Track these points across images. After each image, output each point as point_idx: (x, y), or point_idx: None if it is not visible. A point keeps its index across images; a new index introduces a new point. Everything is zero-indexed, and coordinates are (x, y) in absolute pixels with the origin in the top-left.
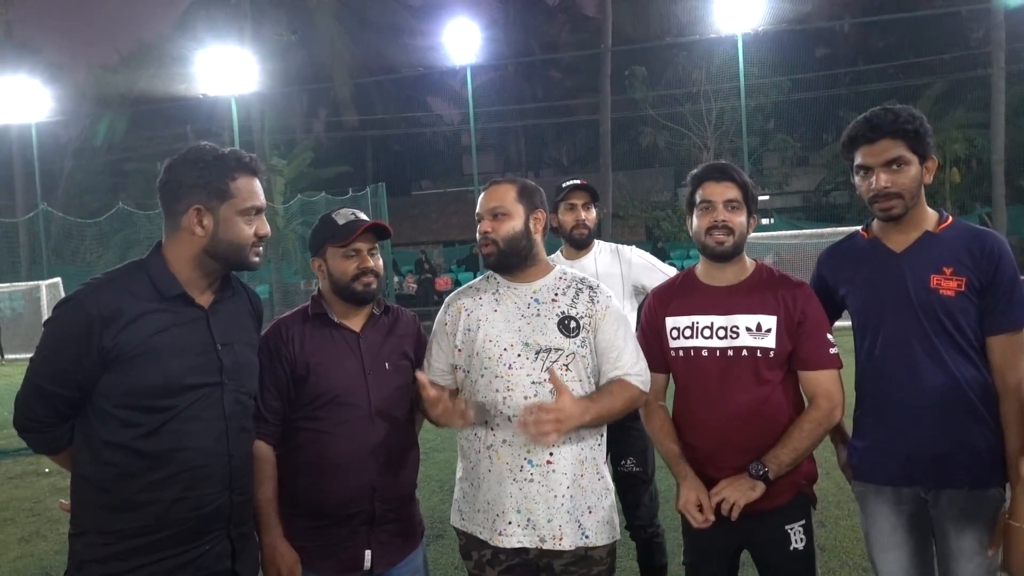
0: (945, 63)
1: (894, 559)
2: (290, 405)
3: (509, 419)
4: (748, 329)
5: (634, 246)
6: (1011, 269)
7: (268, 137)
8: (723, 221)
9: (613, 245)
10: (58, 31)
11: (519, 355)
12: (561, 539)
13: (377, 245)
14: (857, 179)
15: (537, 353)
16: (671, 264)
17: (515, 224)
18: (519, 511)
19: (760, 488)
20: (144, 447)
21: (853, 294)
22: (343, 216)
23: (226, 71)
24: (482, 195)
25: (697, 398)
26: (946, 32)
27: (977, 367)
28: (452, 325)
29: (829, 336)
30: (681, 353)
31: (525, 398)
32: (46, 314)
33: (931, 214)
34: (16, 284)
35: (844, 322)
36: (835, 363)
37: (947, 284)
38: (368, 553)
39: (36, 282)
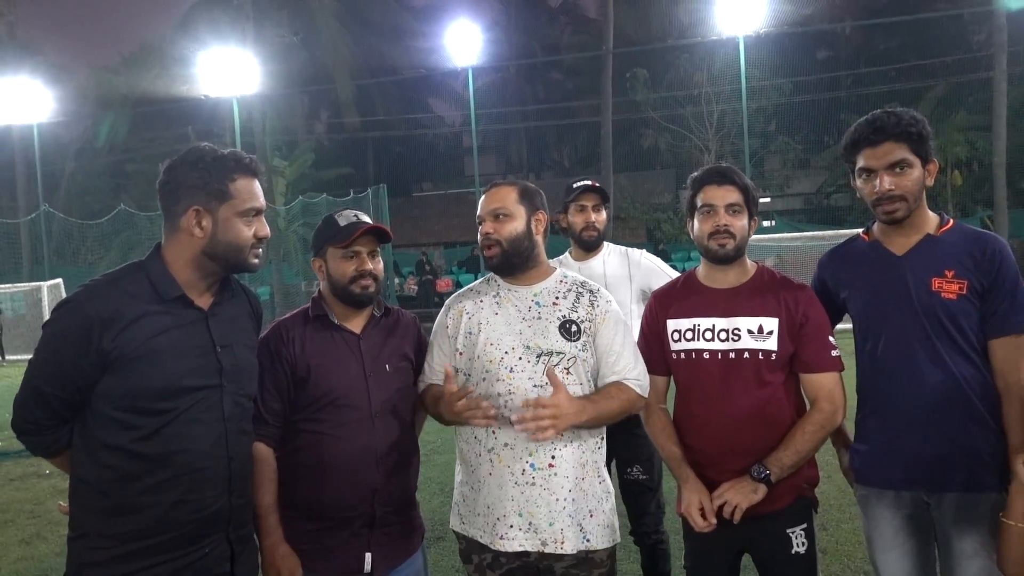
0: (947, 65)
1: (896, 562)
2: (290, 407)
3: (510, 422)
4: (749, 331)
5: (644, 250)
6: (1012, 272)
7: (269, 138)
8: (725, 225)
9: (622, 248)
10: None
11: (520, 358)
12: (563, 542)
13: (378, 248)
14: (859, 182)
15: (539, 356)
16: (673, 267)
17: (517, 225)
18: (520, 514)
19: (762, 491)
20: (143, 450)
21: (854, 297)
22: (345, 218)
23: (228, 72)
24: (483, 197)
25: (698, 400)
26: (948, 35)
27: (979, 370)
28: (453, 328)
29: (831, 339)
30: (682, 355)
31: (527, 399)
32: (47, 315)
33: (932, 217)
34: (17, 285)
35: (845, 325)
36: (837, 366)
37: (948, 287)
38: (368, 556)
39: (37, 283)
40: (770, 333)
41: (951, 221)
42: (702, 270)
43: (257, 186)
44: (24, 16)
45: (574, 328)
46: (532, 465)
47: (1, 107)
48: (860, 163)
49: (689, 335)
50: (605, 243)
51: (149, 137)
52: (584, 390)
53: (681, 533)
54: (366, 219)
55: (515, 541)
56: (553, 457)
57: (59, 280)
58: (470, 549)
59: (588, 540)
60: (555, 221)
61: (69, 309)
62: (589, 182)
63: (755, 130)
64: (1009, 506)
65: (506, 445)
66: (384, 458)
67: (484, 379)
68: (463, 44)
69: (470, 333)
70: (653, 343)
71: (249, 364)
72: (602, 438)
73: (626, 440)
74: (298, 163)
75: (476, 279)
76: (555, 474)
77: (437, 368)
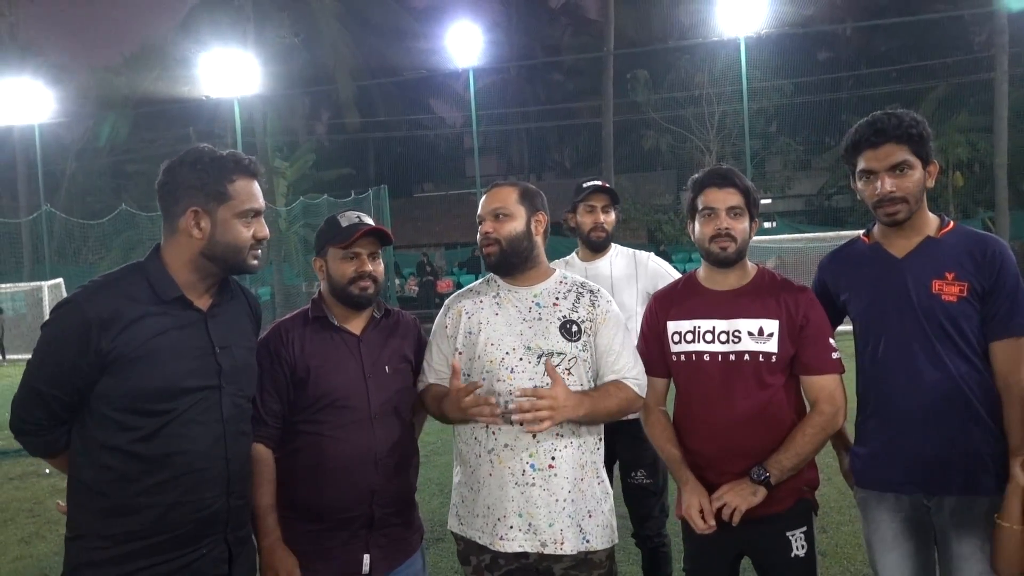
0: (948, 67)
1: (895, 565)
2: (290, 408)
3: (511, 423)
4: (750, 333)
5: (651, 252)
6: (1013, 274)
7: (270, 139)
8: (726, 229)
9: (630, 250)
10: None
11: (521, 359)
12: (562, 543)
13: (379, 251)
14: (860, 184)
15: (539, 357)
16: (675, 268)
17: (517, 225)
18: (520, 515)
19: (762, 493)
20: (141, 451)
21: (855, 300)
22: (347, 218)
23: (229, 73)
24: (484, 197)
25: (698, 403)
26: (949, 36)
27: (980, 372)
28: (452, 328)
29: (831, 341)
30: (683, 357)
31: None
32: (48, 315)
33: (932, 219)
34: (19, 284)
35: (846, 327)
36: (837, 368)
37: (949, 289)
38: (367, 557)
39: (38, 283)
40: (771, 335)
41: (951, 223)
42: (703, 272)
43: (256, 187)
44: (25, 17)
45: (575, 328)
46: (532, 466)
47: (2, 107)
48: (861, 165)
49: (689, 337)
50: (613, 245)
51: (150, 138)
52: (584, 390)
53: (680, 535)
54: (368, 221)
55: (515, 542)
56: (553, 458)
57: (60, 280)
58: (468, 550)
59: (588, 541)
60: (563, 220)
61: (68, 310)
62: (599, 182)
63: (756, 131)
64: (1004, 508)
65: (506, 446)
66: (383, 459)
67: (484, 379)
68: (464, 45)
69: (470, 333)
70: (653, 345)
71: (248, 365)
72: (600, 439)
73: (630, 444)
74: (299, 164)
75: (477, 280)
76: (555, 475)
77: (437, 368)
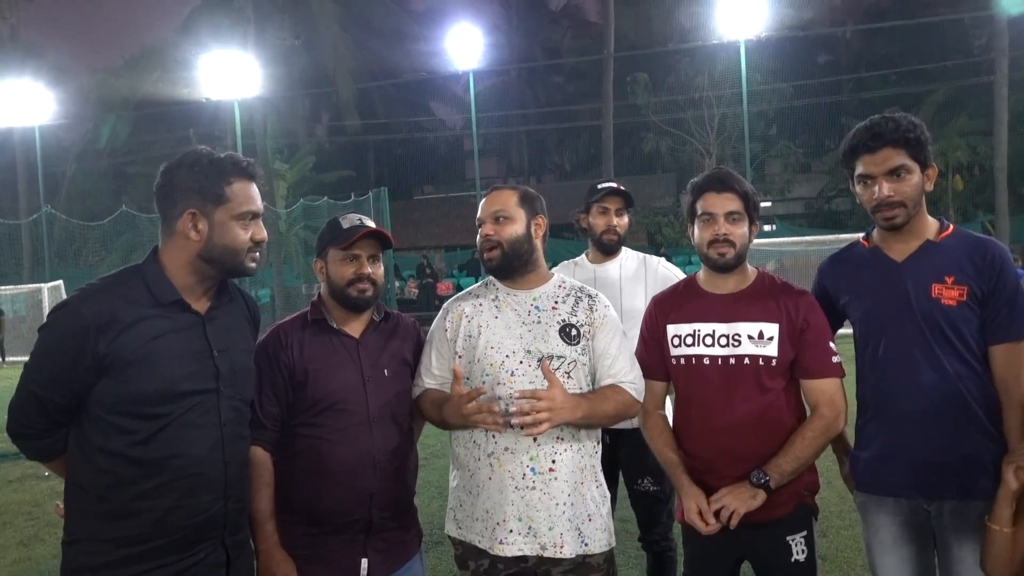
0: (948, 70)
1: (895, 569)
2: (288, 411)
3: (511, 424)
4: (750, 337)
5: (662, 258)
6: (1013, 278)
7: (270, 141)
8: (724, 234)
9: (641, 254)
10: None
11: (521, 362)
12: (562, 547)
13: (379, 254)
14: (858, 188)
15: (539, 360)
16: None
17: (517, 228)
18: (520, 519)
19: (761, 497)
20: (139, 454)
21: (855, 304)
22: (348, 220)
23: (229, 75)
24: (483, 200)
25: (698, 406)
26: (949, 39)
27: (979, 376)
28: (452, 331)
29: (832, 344)
30: (682, 361)
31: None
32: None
33: (932, 222)
34: (19, 286)
35: (846, 330)
36: (838, 372)
37: (948, 293)
38: (364, 561)
39: (38, 285)
40: (771, 339)
41: (951, 226)
42: (703, 275)
43: (254, 189)
44: (26, 18)
45: (574, 332)
46: (533, 469)
47: (3, 109)
48: (859, 169)
49: (689, 340)
50: (623, 248)
51: (150, 139)
52: (582, 393)
53: (680, 539)
54: (370, 223)
55: (514, 546)
56: (554, 462)
57: (59, 282)
58: (467, 555)
59: (586, 544)
60: (575, 221)
61: (65, 313)
62: (614, 184)
63: (756, 134)
64: (994, 511)
65: (507, 450)
66: (381, 463)
67: (484, 383)
68: (464, 47)
69: (470, 336)
70: (653, 348)
71: (246, 368)
72: (598, 442)
73: (634, 451)
74: (299, 166)
75: (477, 282)
76: (555, 478)
77: (435, 372)
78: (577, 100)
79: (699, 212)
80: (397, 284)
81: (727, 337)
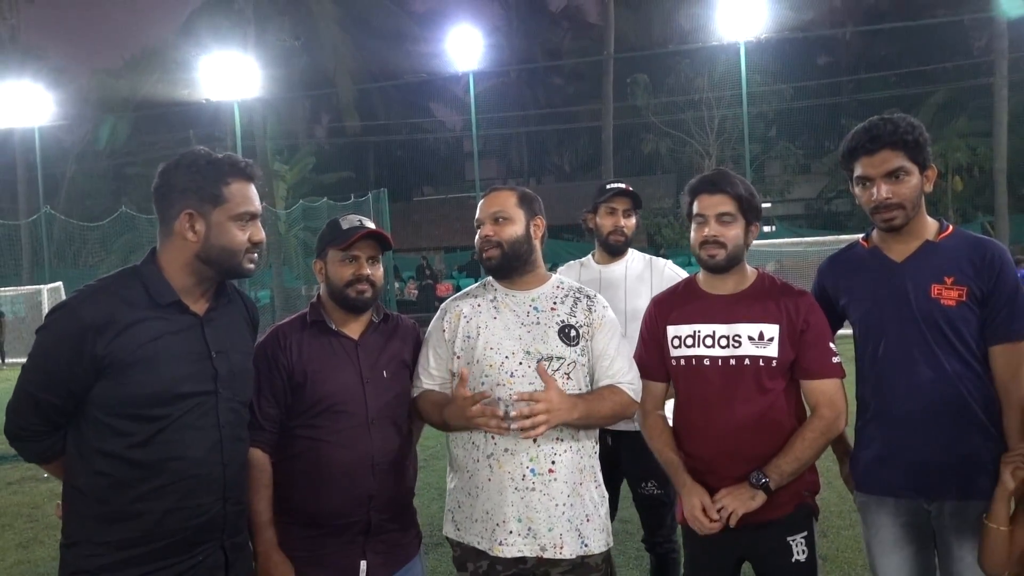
0: (947, 71)
1: (896, 570)
2: (287, 413)
3: (511, 428)
4: (750, 338)
5: (669, 260)
6: (1012, 278)
7: (270, 142)
8: (714, 236)
9: (648, 256)
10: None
11: (520, 363)
12: (562, 548)
13: (379, 255)
14: (857, 190)
15: (539, 361)
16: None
17: (517, 229)
18: (520, 520)
19: (760, 498)
20: (137, 456)
21: (854, 304)
22: (348, 221)
23: (229, 76)
24: (482, 201)
25: (698, 407)
26: (948, 41)
27: (979, 377)
28: (451, 332)
29: (832, 345)
30: (682, 362)
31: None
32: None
33: (931, 223)
34: (18, 288)
35: (846, 331)
36: (838, 372)
37: (948, 294)
38: (363, 564)
39: (38, 286)
40: (771, 340)
41: (950, 227)
42: (702, 276)
43: (252, 190)
44: (26, 19)
45: (573, 333)
46: (533, 471)
47: (3, 110)
48: (857, 171)
49: (689, 341)
50: (630, 250)
51: (150, 140)
52: (580, 393)
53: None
54: (370, 224)
55: (514, 547)
56: (553, 462)
57: (59, 283)
58: (465, 556)
59: (586, 545)
60: (582, 220)
61: (62, 314)
62: (623, 185)
63: (756, 135)
64: (991, 509)
65: (506, 451)
66: (380, 464)
67: (483, 384)
68: (464, 49)
69: (468, 337)
70: (652, 349)
71: (245, 370)
72: (597, 442)
73: (637, 455)
74: (299, 167)
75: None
76: (555, 479)
77: (434, 372)
78: (577, 101)
79: (694, 213)
80: (397, 285)
81: (727, 338)
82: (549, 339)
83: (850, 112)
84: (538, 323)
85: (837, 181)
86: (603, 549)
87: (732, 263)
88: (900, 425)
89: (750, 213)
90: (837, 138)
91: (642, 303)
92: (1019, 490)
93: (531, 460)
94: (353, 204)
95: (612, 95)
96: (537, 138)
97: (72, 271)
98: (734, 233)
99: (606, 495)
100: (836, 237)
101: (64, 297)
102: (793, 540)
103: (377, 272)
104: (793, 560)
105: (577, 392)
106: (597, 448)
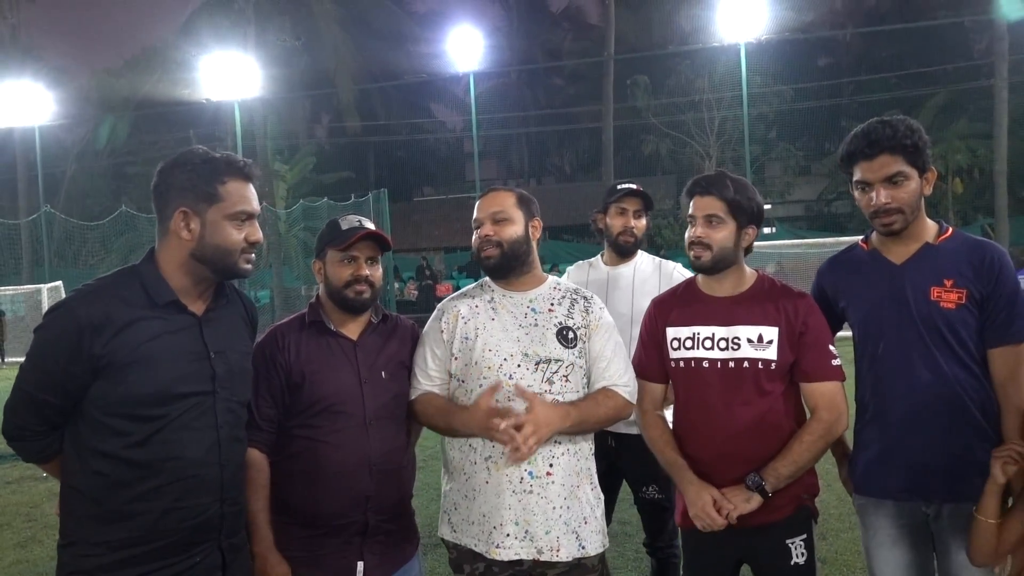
0: (948, 73)
1: (894, 572)
2: (285, 413)
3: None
4: (749, 340)
5: (679, 263)
6: (1012, 280)
7: (271, 142)
8: (699, 237)
9: (657, 259)
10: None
11: (519, 365)
12: (558, 550)
13: (379, 256)
14: (856, 193)
15: (537, 364)
16: None
17: (517, 229)
18: (517, 523)
19: (756, 500)
20: (135, 456)
21: (853, 306)
22: (348, 222)
23: (229, 76)
24: (480, 201)
25: (697, 409)
26: (949, 43)
27: (979, 380)
28: (449, 332)
29: (831, 347)
30: (681, 364)
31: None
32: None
33: (931, 225)
34: (18, 287)
35: (846, 332)
36: (838, 375)
37: (948, 296)
38: (360, 564)
39: (37, 285)
40: (770, 342)
41: (950, 229)
42: (701, 278)
43: (250, 190)
44: (26, 19)
45: (571, 335)
46: (531, 473)
47: (3, 109)
48: (856, 175)
49: (689, 344)
50: (640, 251)
51: (150, 140)
52: (580, 397)
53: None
54: (369, 225)
55: (511, 550)
56: (551, 465)
57: (59, 283)
58: (461, 558)
59: (583, 547)
60: (592, 220)
61: (60, 314)
62: (634, 185)
63: (756, 137)
64: (982, 503)
65: (504, 453)
66: (378, 465)
67: (481, 385)
68: (465, 49)
69: (466, 338)
70: (652, 350)
71: (243, 370)
72: (592, 445)
73: (638, 459)
74: (299, 167)
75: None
76: (552, 482)
77: (432, 373)
78: (577, 102)
79: (688, 214)
80: (396, 286)
81: (726, 340)
82: (547, 341)
83: (850, 114)
84: (536, 324)
85: (837, 183)
86: (599, 551)
87: (720, 265)
88: (898, 427)
89: (743, 216)
90: (837, 140)
91: (646, 305)
92: (1016, 484)
93: (529, 463)
94: (353, 204)
95: (612, 96)
96: (537, 139)
97: (72, 270)
98: (721, 235)
99: (602, 496)
100: (836, 239)
101: (64, 296)
102: (792, 542)
103: (376, 273)
104: (792, 563)
105: (575, 394)
106: (593, 448)
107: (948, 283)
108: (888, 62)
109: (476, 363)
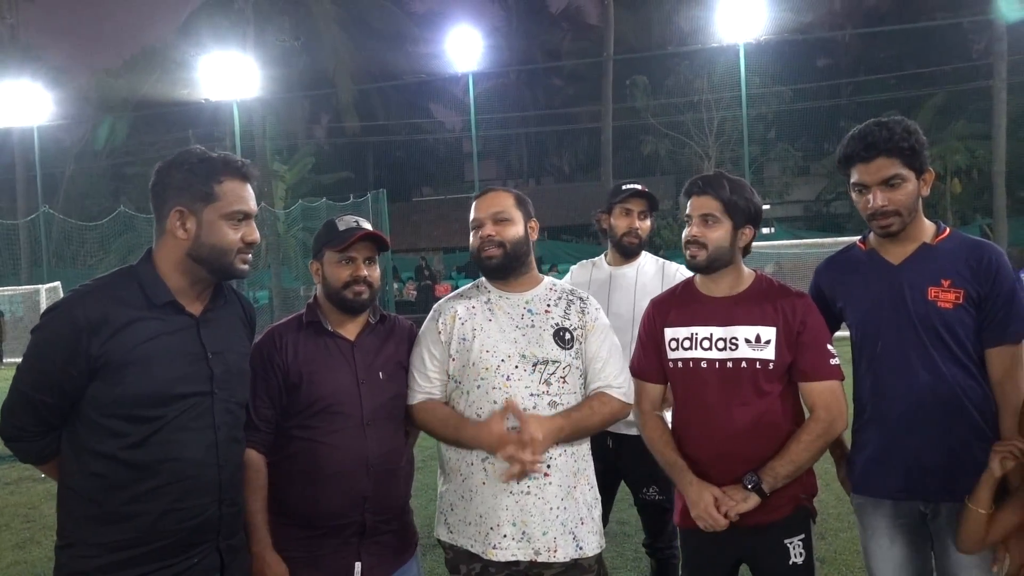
0: (946, 74)
1: (892, 572)
2: (283, 413)
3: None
4: (747, 340)
5: (682, 265)
6: (1009, 281)
7: (270, 142)
8: (694, 236)
9: (660, 260)
10: (62, 35)
11: (516, 367)
12: (555, 551)
13: (377, 256)
14: (854, 195)
15: (535, 365)
16: None
17: (518, 229)
18: (514, 524)
19: (753, 500)
20: (132, 457)
21: (851, 307)
22: (345, 222)
23: (228, 76)
24: (477, 201)
25: (696, 410)
26: (948, 43)
27: (976, 380)
28: (446, 333)
29: (830, 347)
30: (680, 364)
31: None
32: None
33: (928, 226)
34: (16, 287)
35: (844, 332)
36: (836, 374)
37: (945, 296)
38: (358, 565)
39: (36, 286)
40: (768, 342)
41: (947, 229)
42: (699, 278)
43: (248, 190)
44: (25, 19)
45: (567, 336)
46: (528, 474)
47: (2, 109)
48: (854, 177)
49: (687, 344)
50: (643, 252)
51: (149, 140)
52: (578, 398)
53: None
54: (366, 225)
55: (508, 551)
56: (549, 466)
57: (57, 283)
58: (458, 559)
59: (580, 548)
60: (595, 220)
61: (57, 314)
62: (639, 186)
63: (755, 137)
64: (975, 492)
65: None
66: (375, 466)
67: (478, 386)
68: (464, 49)
69: (464, 339)
70: (650, 351)
71: (241, 371)
72: (589, 444)
73: (639, 460)
74: (298, 167)
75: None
76: (550, 483)
77: (431, 375)
78: (576, 102)
79: (685, 214)
80: (395, 286)
81: (724, 341)
82: (544, 342)
83: (849, 114)
84: (533, 326)
85: (836, 183)
86: (596, 551)
87: (715, 264)
88: (896, 427)
89: (739, 216)
90: (836, 140)
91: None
92: (1014, 480)
93: None
94: (352, 204)
95: (612, 96)
96: (536, 139)
97: (70, 271)
98: (717, 235)
99: (599, 497)
100: (835, 239)
101: (62, 297)
102: (791, 542)
103: (374, 273)
104: (791, 562)
105: (573, 395)
106: (590, 449)
107: (946, 283)
108: (887, 63)
109: (473, 364)
